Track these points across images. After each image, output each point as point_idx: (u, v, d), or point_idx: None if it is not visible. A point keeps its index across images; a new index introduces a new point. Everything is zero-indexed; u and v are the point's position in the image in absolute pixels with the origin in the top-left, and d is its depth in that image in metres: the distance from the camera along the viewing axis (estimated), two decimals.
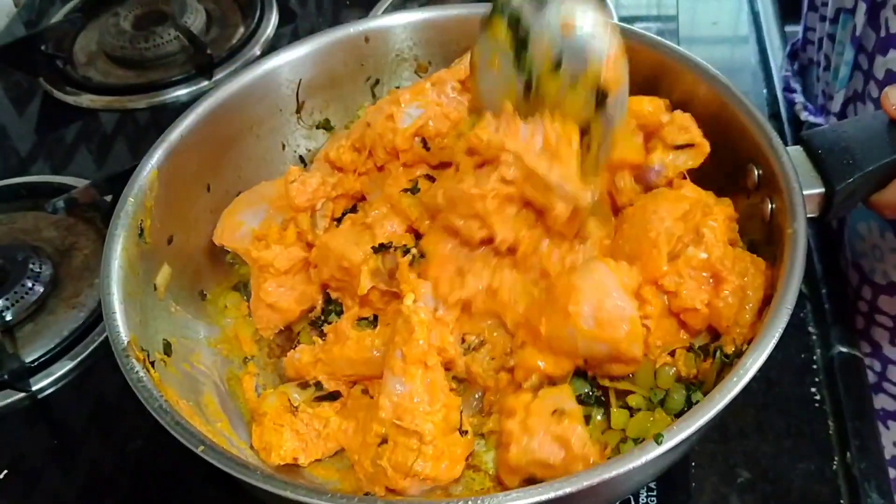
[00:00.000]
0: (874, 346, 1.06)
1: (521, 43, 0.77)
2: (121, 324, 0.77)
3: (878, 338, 1.06)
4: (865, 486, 0.83)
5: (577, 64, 0.75)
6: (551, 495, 0.62)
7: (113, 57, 1.46)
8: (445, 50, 1.06)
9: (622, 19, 1.37)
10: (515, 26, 0.76)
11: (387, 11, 1.40)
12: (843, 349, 0.95)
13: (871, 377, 1.07)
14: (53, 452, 0.94)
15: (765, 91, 1.28)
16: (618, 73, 0.76)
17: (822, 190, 0.78)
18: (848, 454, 0.86)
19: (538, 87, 0.77)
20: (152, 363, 0.78)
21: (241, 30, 1.47)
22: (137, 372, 0.74)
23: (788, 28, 1.45)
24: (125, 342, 0.76)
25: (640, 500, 0.81)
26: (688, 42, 1.36)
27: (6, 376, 0.97)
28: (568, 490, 0.62)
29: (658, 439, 0.64)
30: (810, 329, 0.97)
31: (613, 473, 0.63)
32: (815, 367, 0.94)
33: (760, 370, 0.91)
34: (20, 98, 1.44)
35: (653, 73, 0.97)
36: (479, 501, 0.62)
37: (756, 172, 0.84)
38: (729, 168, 0.88)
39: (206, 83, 1.37)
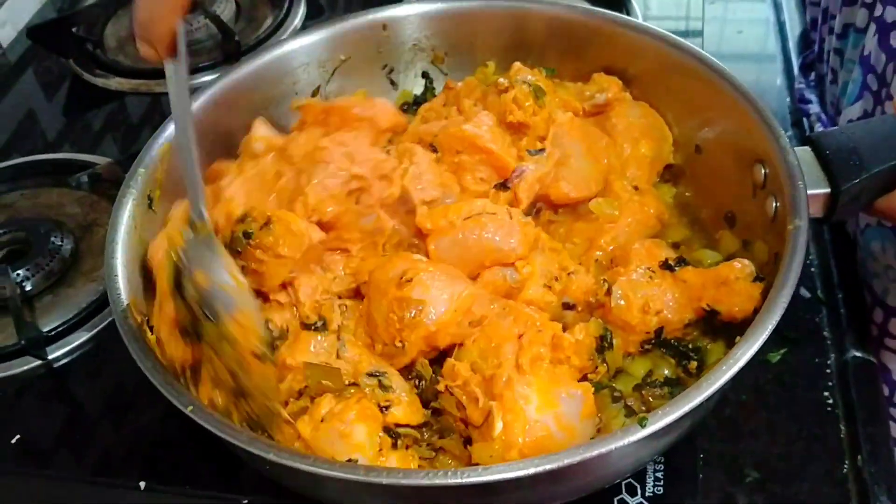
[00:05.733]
0: (884, 371, 1.04)
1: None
2: (122, 287, 0.79)
3: (887, 361, 1.04)
4: (876, 490, 0.82)
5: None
6: (531, 471, 0.62)
7: None
8: (462, 41, 1.08)
9: None
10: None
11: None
12: (858, 354, 0.94)
13: None
14: (67, 419, 0.95)
15: (787, 100, 1.27)
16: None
17: (827, 190, 0.78)
18: (859, 458, 0.85)
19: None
20: (150, 327, 0.79)
21: (269, 20, 1.49)
22: (134, 333, 0.75)
23: None
24: (124, 304, 0.77)
25: (647, 486, 0.81)
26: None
27: (24, 342, 0.98)
28: (548, 467, 0.62)
29: (642, 422, 0.64)
30: (825, 333, 0.96)
31: (595, 453, 0.63)
32: (828, 371, 0.93)
33: (774, 373, 0.91)
34: (50, 82, 1.46)
35: (662, 70, 0.97)
36: (474, 472, 0.62)
37: (763, 172, 0.84)
38: (737, 168, 0.88)
39: None
